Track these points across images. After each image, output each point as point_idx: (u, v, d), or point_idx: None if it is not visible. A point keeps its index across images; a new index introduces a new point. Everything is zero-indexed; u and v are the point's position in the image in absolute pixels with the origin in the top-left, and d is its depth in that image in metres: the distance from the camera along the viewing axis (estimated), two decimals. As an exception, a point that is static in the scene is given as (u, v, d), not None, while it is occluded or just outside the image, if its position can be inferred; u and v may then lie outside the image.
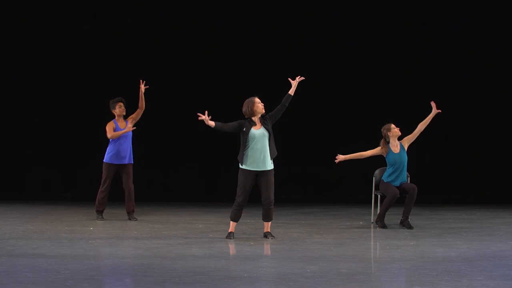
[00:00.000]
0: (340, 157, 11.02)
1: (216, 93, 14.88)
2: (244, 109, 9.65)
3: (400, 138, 11.25)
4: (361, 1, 15.23)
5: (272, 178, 9.63)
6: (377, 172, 11.61)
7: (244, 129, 9.55)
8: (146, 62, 14.95)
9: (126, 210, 11.71)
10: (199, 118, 9.60)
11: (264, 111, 9.66)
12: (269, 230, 9.83)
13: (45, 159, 15.06)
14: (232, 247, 9.18)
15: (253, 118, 9.61)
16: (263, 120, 9.62)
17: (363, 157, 11.25)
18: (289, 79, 10.00)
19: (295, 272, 7.41)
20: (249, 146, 9.53)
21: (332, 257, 8.39)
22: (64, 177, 15.09)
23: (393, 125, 11.20)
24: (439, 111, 11.28)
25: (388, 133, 11.17)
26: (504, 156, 15.19)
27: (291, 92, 9.86)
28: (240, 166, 9.62)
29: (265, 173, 9.58)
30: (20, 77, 15.05)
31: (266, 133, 9.57)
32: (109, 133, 11.50)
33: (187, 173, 15.17)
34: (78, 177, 14.93)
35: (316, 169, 15.06)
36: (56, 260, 7.95)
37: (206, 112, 9.60)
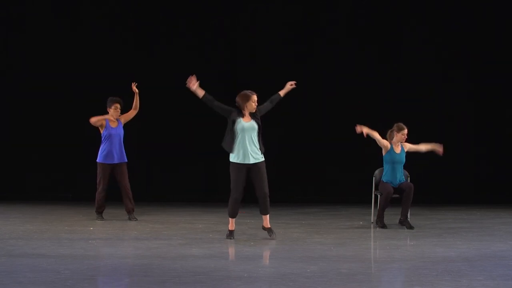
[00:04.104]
0: (364, 130, 10.87)
1: (216, 93, 14.84)
2: (237, 99, 9.59)
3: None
4: (361, 1, 15.24)
5: (264, 170, 9.54)
6: (377, 172, 11.61)
7: (233, 118, 9.46)
8: (146, 61, 14.95)
9: (126, 210, 11.70)
10: (189, 82, 9.53)
11: (254, 110, 9.59)
12: (269, 225, 9.71)
13: (45, 159, 15.06)
14: (232, 247, 9.18)
15: (243, 111, 9.57)
16: (254, 115, 9.56)
17: (374, 138, 11.13)
18: (289, 83, 9.96)
19: (295, 272, 7.40)
20: (238, 138, 9.46)
21: (332, 257, 8.39)
22: (64, 177, 15.08)
23: (406, 131, 11.08)
24: (440, 152, 11.18)
25: (396, 134, 11.09)
26: (504, 156, 15.19)
27: (282, 93, 9.86)
28: (231, 160, 9.54)
29: (256, 166, 9.51)
30: (20, 77, 15.05)
31: (256, 126, 9.51)
32: (92, 118, 11.53)
33: (187, 173, 15.17)
34: (78, 177, 14.93)
35: (316, 169, 15.06)
36: (56, 260, 7.95)
37: (197, 80, 9.55)
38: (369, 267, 7.97)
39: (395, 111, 14.76)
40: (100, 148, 11.62)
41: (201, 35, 15.15)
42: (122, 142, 11.64)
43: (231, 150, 9.52)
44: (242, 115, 9.53)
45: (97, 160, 11.63)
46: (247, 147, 9.48)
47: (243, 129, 9.47)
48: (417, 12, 15.14)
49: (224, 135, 9.64)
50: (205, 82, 15.02)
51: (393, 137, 11.17)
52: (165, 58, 15.10)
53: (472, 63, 15.11)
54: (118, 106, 11.63)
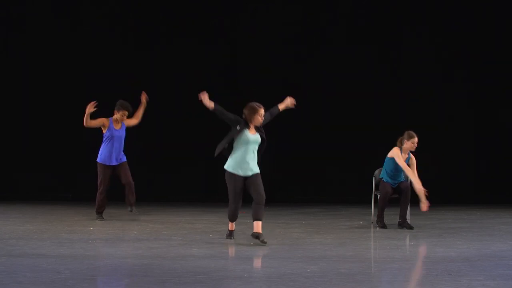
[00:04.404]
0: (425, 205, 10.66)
1: (216, 92, 14.85)
2: (245, 111, 9.40)
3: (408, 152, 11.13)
4: (361, 1, 15.24)
5: (260, 178, 9.39)
6: (377, 172, 11.61)
7: (239, 128, 9.32)
8: (146, 61, 14.95)
9: (129, 203, 11.63)
10: (201, 96, 9.39)
11: (260, 124, 9.39)
12: (260, 231, 9.33)
13: (46, 159, 15.06)
14: (232, 247, 9.17)
15: (249, 123, 9.40)
16: (258, 128, 9.41)
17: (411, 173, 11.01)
18: (289, 99, 9.80)
19: (295, 272, 7.40)
20: (240, 149, 9.32)
21: (332, 257, 8.39)
22: (64, 177, 15.08)
23: (416, 139, 10.96)
24: (424, 207, 10.76)
25: (406, 141, 10.98)
26: (504, 156, 15.19)
27: (281, 108, 9.69)
28: (227, 169, 9.41)
29: (252, 177, 9.40)
30: (20, 77, 15.05)
31: (260, 140, 9.39)
32: (86, 122, 11.43)
33: (187, 173, 15.17)
34: (78, 177, 14.93)
35: (316, 169, 15.07)
36: (56, 260, 7.95)
37: (206, 94, 9.41)
38: (369, 267, 7.97)
39: (395, 111, 14.77)
40: (101, 148, 11.58)
41: (201, 35, 15.15)
42: (122, 144, 11.61)
43: (216, 153, 9.38)
44: (248, 127, 9.37)
45: (98, 161, 11.60)
46: (247, 160, 9.33)
47: (248, 141, 9.32)
48: (417, 12, 15.15)
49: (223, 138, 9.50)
50: (205, 82, 15.12)
51: (402, 145, 11.03)
52: (165, 58, 15.10)
53: (472, 63, 15.11)
54: (126, 114, 11.54)
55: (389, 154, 11.04)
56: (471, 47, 15.08)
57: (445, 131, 15.09)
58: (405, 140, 10.99)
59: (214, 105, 9.40)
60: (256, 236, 9.30)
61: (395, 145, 11.06)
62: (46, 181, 15.09)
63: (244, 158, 9.33)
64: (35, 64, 15.01)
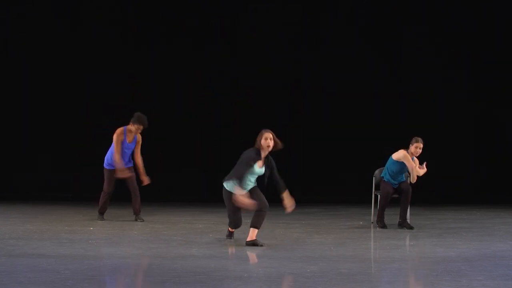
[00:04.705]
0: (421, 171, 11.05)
1: (216, 92, 14.87)
2: (257, 138, 9.22)
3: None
4: (361, 1, 15.24)
5: (258, 189, 9.32)
6: (377, 172, 11.60)
7: (252, 164, 9.11)
8: (146, 61, 14.94)
9: (133, 211, 11.61)
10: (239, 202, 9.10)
11: (269, 150, 9.14)
12: (255, 238, 9.22)
13: (46, 159, 15.06)
14: (232, 247, 9.17)
15: (261, 151, 9.20)
16: (267, 161, 9.23)
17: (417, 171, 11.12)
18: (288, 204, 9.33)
19: (295, 272, 7.40)
20: (245, 177, 9.16)
21: (332, 257, 8.39)
22: (64, 177, 15.06)
23: (421, 145, 10.94)
24: (425, 170, 11.11)
25: (411, 147, 10.98)
26: (504, 156, 15.19)
27: (283, 198, 9.32)
28: (227, 187, 9.33)
29: (251, 189, 9.29)
30: (20, 77, 15.04)
31: (262, 174, 9.21)
32: (116, 153, 11.32)
33: (187, 173, 15.16)
34: (78, 177, 14.91)
35: (316, 169, 15.06)
36: (56, 260, 7.94)
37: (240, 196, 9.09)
38: (369, 267, 7.97)
39: (395, 111, 14.77)
40: (108, 155, 11.44)
41: (201, 35, 15.15)
42: (130, 154, 11.51)
43: (230, 183, 9.28)
44: (260, 158, 9.16)
45: (105, 166, 11.50)
46: (246, 185, 9.28)
47: (252, 173, 9.19)
48: (417, 12, 15.14)
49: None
50: (205, 82, 15.14)
51: (408, 148, 11.03)
52: (165, 58, 15.09)
53: (472, 63, 15.11)
54: (141, 128, 11.45)
55: (396, 157, 11.00)
56: (471, 47, 15.07)
57: (445, 131, 15.09)
58: (411, 147, 10.99)
59: (243, 185, 9.14)
60: (252, 243, 9.17)
61: (396, 146, 11.08)
62: (46, 181, 15.08)
63: (245, 185, 9.24)
64: (35, 64, 15.00)
